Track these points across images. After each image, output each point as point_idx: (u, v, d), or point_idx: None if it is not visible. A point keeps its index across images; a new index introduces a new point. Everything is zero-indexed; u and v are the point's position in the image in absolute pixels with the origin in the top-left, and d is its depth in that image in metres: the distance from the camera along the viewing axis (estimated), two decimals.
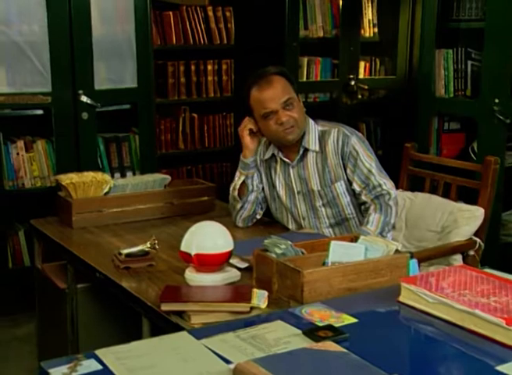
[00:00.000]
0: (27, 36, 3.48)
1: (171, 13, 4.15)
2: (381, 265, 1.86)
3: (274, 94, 2.44)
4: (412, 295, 1.58)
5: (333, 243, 1.94)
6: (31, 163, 3.66)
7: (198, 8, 4.24)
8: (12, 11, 3.46)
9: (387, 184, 2.49)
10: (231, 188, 2.64)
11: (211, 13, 4.27)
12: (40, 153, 3.68)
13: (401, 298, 1.61)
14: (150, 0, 3.74)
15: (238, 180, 2.61)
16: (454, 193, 2.76)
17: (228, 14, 4.31)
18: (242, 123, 2.57)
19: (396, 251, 1.92)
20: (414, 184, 2.95)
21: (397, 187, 2.71)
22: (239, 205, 2.61)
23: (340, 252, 1.92)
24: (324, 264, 1.92)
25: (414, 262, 1.88)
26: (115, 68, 3.72)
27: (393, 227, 2.50)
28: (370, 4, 4.46)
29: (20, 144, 3.65)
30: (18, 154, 3.63)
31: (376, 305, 1.66)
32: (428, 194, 2.81)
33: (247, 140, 2.56)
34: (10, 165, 3.63)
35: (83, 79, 3.58)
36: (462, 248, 2.58)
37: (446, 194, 2.77)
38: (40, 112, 3.65)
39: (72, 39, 3.53)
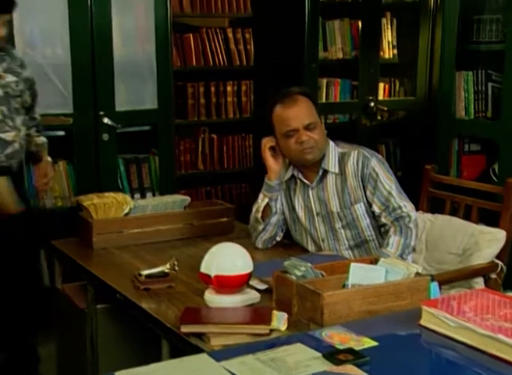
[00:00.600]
0: (50, 58, 3.53)
1: (191, 35, 4.19)
2: (401, 288, 1.85)
3: (298, 113, 2.46)
4: (433, 319, 1.57)
5: (353, 265, 1.93)
6: (52, 183, 3.68)
7: (218, 30, 4.28)
8: (36, 34, 3.53)
9: (407, 206, 2.48)
10: (254, 210, 2.64)
11: (230, 35, 4.31)
12: (62, 174, 3.71)
13: (422, 322, 1.60)
14: (171, 22, 3.78)
15: (262, 202, 2.60)
16: (475, 215, 2.74)
17: (247, 36, 4.35)
18: (262, 144, 2.58)
19: (417, 273, 1.91)
20: (435, 206, 2.93)
21: (417, 209, 2.70)
22: (261, 227, 2.61)
23: (360, 275, 1.91)
24: (344, 286, 1.91)
25: (435, 285, 1.86)
26: (135, 89, 3.76)
27: (413, 250, 2.48)
28: (389, 26, 4.47)
29: None
30: None
31: (397, 328, 1.65)
32: (449, 216, 2.79)
33: (271, 161, 2.57)
34: (32, 185, 3.66)
35: (105, 100, 3.63)
36: (484, 271, 2.56)
37: (466, 217, 2.76)
38: (61, 133, 3.69)
39: (94, 61, 3.58)
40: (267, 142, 2.55)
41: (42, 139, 3.16)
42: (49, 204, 3.69)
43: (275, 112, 2.51)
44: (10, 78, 3.01)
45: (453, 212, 2.82)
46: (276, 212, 2.61)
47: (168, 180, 3.92)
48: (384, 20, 4.42)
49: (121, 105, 3.68)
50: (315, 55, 4.13)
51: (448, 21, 3.80)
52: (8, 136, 2.98)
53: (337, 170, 2.53)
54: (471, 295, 1.65)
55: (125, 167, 3.90)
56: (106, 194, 2.78)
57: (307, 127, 2.46)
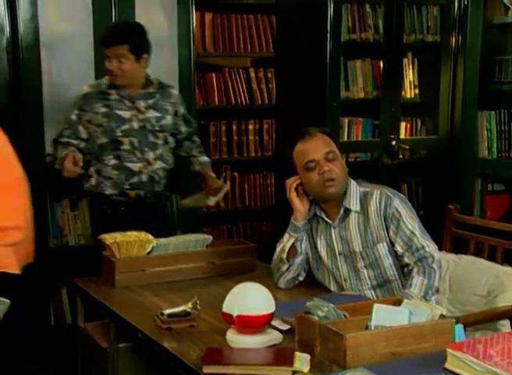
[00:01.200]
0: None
1: (214, 75, 4.25)
2: (426, 330, 1.83)
3: (316, 144, 2.51)
4: (459, 362, 1.55)
5: (376, 306, 1.92)
6: (76, 221, 3.73)
7: (240, 70, 4.33)
8: (63, 74, 3.60)
9: (430, 246, 2.47)
10: (278, 249, 2.63)
11: (252, 74, 4.36)
12: (85, 212, 3.74)
13: (447, 365, 1.58)
14: (194, 62, 3.84)
15: (287, 242, 2.60)
16: (500, 256, 2.71)
17: (269, 75, 4.40)
18: (287, 185, 2.58)
19: (441, 315, 1.89)
20: (458, 246, 2.91)
21: (440, 249, 2.68)
22: (285, 267, 2.60)
23: (383, 316, 1.89)
24: (367, 328, 1.89)
25: (459, 328, 1.84)
26: None
27: (437, 291, 2.46)
28: (411, 66, 4.49)
29: (65, 202, 3.72)
30: (63, 212, 3.71)
31: (421, 371, 1.63)
32: (473, 256, 2.77)
33: (297, 202, 2.57)
34: (55, 222, 3.70)
35: None
36: (510, 314, 2.52)
37: (491, 257, 2.73)
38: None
39: None
40: (292, 182, 2.57)
41: (204, 158, 3.47)
42: (72, 242, 3.71)
43: (296, 150, 2.54)
44: (152, 114, 3.26)
45: (477, 253, 2.80)
46: (301, 252, 2.60)
47: (190, 218, 3.93)
48: (405, 60, 4.45)
49: None
50: (337, 95, 4.16)
51: (470, 61, 3.82)
52: (135, 166, 3.22)
53: (359, 209, 2.53)
54: (498, 339, 1.62)
55: None
56: (129, 232, 2.79)
57: (327, 158, 2.48)
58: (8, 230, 2.13)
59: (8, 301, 2.58)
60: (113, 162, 3.23)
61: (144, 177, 3.25)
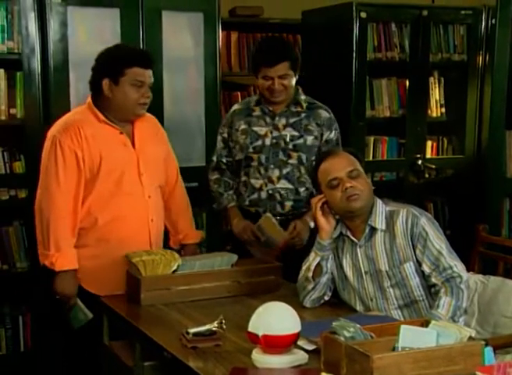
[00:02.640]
0: None
1: (239, 94, 4.27)
2: (454, 352, 1.80)
3: (339, 162, 2.51)
4: None
5: (403, 327, 1.90)
6: None
7: None
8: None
9: (458, 266, 2.44)
10: (304, 268, 2.62)
11: None
12: None
13: None
14: (220, 82, 3.87)
15: (313, 261, 2.59)
16: None
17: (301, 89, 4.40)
18: (312, 204, 2.59)
19: (470, 337, 1.86)
20: (486, 267, 2.88)
21: (468, 270, 2.65)
22: (310, 286, 2.59)
23: (411, 337, 1.87)
24: (394, 349, 1.87)
25: (489, 351, 1.81)
26: (184, 147, 3.81)
27: (465, 312, 2.42)
28: (437, 84, 4.47)
29: None
30: None
31: None
32: (501, 277, 2.73)
33: (322, 221, 2.57)
34: None
35: None
36: None
37: None
38: None
39: None
40: (317, 201, 2.57)
41: None
42: None
43: (320, 169, 2.55)
44: (288, 132, 3.17)
45: (506, 274, 2.76)
46: (327, 271, 2.59)
47: (215, 236, 3.94)
48: (431, 79, 4.43)
49: None
50: (362, 113, 4.16)
51: (497, 80, 3.80)
52: (257, 183, 3.18)
53: (385, 227, 2.51)
54: None
55: None
56: (155, 250, 2.80)
57: (351, 175, 2.48)
58: None
59: (91, 315, 2.65)
60: (243, 178, 3.23)
61: (264, 195, 3.17)
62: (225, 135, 3.28)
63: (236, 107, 3.30)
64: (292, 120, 3.18)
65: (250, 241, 3.18)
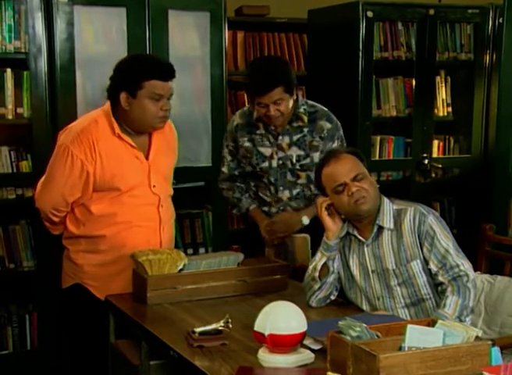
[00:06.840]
0: None
1: (245, 93, 4.27)
2: (461, 352, 1.80)
3: (343, 167, 2.49)
4: None
5: (410, 327, 1.89)
6: None
7: None
8: (97, 94, 3.60)
9: (465, 265, 2.44)
10: (310, 268, 2.62)
11: None
12: None
13: None
14: (226, 81, 3.86)
15: (319, 261, 2.59)
16: None
17: (301, 93, 4.39)
18: (317, 205, 2.58)
19: (477, 337, 1.86)
20: (493, 267, 2.87)
21: (475, 270, 2.63)
22: (317, 286, 2.59)
23: (417, 337, 1.87)
24: (400, 349, 1.87)
25: (496, 351, 1.81)
26: (191, 147, 3.82)
27: (472, 311, 2.42)
28: (443, 84, 4.46)
29: None
30: None
31: None
32: (508, 277, 2.72)
33: (328, 221, 2.57)
34: None
35: None
36: None
37: None
38: None
39: None
40: (322, 202, 2.56)
41: None
42: None
43: (324, 173, 2.54)
44: (294, 152, 3.11)
45: None
46: (333, 271, 2.59)
47: (221, 236, 3.94)
48: (438, 78, 4.42)
49: (177, 162, 3.74)
50: (369, 113, 4.15)
51: (504, 79, 3.79)
52: (267, 198, 3.21)
53: (392, 226, 2.51)
54: None
55: (178, 222, 3.93)
56: (161, 249, 2.80)
57: (355, 179, 2.47)
58: None
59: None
60: (254, 189, 3.25)
61: (274, 209, 3.18)
62: (232, 148, 3.25)
63: (237, 120, 3.21)
64: (295, 138, 3.12)
65: (272, 243, 3.17)
